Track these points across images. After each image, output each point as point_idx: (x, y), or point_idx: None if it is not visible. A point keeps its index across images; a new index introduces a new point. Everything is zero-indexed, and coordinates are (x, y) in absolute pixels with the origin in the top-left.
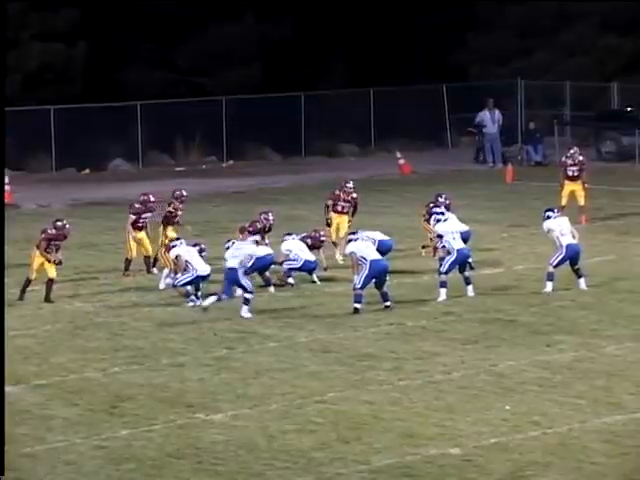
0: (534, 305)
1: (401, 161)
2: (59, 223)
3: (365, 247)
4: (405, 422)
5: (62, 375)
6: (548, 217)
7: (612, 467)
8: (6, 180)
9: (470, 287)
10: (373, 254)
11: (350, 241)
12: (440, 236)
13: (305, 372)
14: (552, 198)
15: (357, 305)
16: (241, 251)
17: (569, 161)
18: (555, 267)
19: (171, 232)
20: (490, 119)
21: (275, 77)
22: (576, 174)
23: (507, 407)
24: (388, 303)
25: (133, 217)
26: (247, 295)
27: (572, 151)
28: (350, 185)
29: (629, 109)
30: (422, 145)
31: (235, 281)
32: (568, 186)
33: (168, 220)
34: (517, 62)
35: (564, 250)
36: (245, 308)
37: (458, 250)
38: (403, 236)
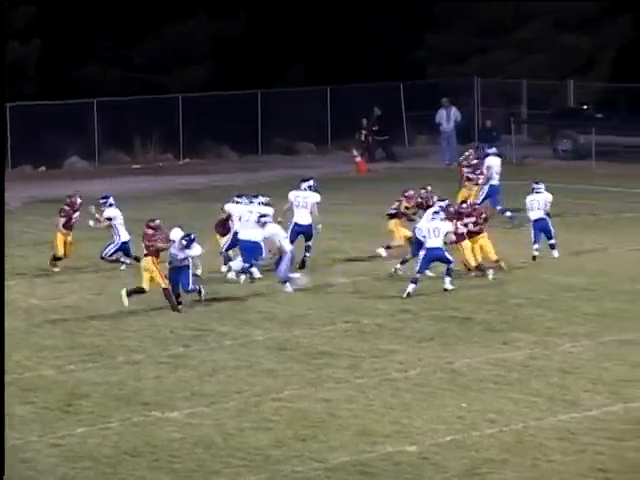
0: (490, 303)
1: (357, 159)
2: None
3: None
4: (361, 420)
5: (17, 372)
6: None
7: (568, 464)
8: None
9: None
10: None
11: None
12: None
13: (261, 370)
14: (511, 196)
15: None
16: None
17: (464, 163)
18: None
19: None
20: (446, 117)
21: (231, 75)
22: (471, 176)
23: (463, 405)
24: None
25: (63, 220)
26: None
27: (467, 153)
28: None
29: (585, 107)
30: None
31: None
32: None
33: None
34: (474, 60)
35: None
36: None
37: (428, 249)
38: (359, 234)
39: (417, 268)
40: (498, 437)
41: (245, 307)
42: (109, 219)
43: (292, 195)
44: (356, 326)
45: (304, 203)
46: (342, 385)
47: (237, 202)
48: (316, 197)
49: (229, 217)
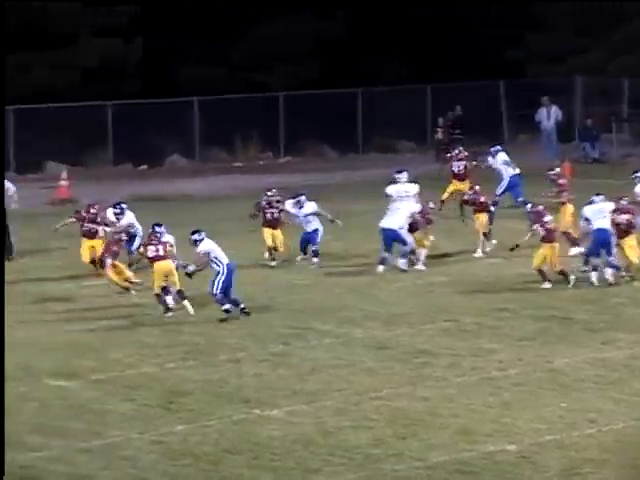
0: (590, 302)
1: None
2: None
3: (217, 247)
4: (461, 419)
5: (119, 370)
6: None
7: None
8: (64, 175)
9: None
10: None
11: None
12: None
13: (361, 368)
14: (613, 195)
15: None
16: None
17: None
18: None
19: None
20: (546, 115)
21: (332, 73)
22: (462, 172)
23: (563, 404)
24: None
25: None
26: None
27: (456, 151)
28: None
29: None
30: (479, 141)
31: None
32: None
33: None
34: (574, 59)
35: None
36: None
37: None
38: (457, 233)
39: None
40: (598, 437)
41: (346, 305)
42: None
43: (392, 190)
44: (456, 325)
45: (406, 195)
46: (442, 384)
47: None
48: (415, 188)
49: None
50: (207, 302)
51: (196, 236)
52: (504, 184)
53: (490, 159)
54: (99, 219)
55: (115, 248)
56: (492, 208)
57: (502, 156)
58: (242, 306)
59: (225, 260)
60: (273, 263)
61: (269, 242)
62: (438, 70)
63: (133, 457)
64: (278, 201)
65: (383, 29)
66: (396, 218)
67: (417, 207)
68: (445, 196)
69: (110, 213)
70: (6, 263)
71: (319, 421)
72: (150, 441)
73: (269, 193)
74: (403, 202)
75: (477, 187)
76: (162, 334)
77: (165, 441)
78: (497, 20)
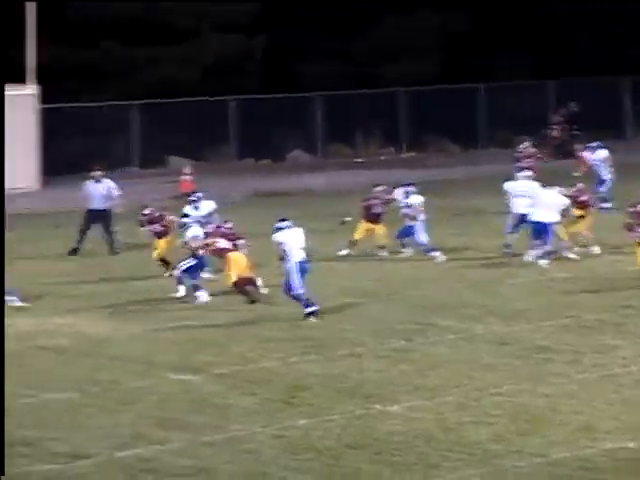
0: None
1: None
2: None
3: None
4: (582, 415)
5: (241, 364)
6: None
7: None
8: (187, 170)
9: None
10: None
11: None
12: None
13: (481, 364)
14: None
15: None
16: None
17: None
18: None
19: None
20: None
21: (453, 68)
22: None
23: None
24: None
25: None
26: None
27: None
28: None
29: None
30: (599, 136)
31: None
32: None
33: None
34: None
35: None
36: None
37: None
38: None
39: None
40: None
41: (467, 301)
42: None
43: (509, 185)
44: (577, 321)
45: (524, 193)
46: (563, 380)
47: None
48: (535, 185)
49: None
50: (326, 296)
51: (278, 224)
52: (606, 182)
53: (589, 154)
54: (159, 216)
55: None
56: (604, 205)
57: (602, 153)
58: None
59: (297, 257)
60: (344, 252)
61: (357, 236)
62: (561, 66)
63: (255, 451)
64: (388, 199)
65: (505, 24)
66: (549, 212)
67: (567, 202)
68: None
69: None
70: (128, 257)
71: (440, 417)
72: (272, 435)
73: (378, 189)
74: (519, 199)
75: (580, 185)
76: (283, 328)
77: (287, 435)
78: (621, 16)
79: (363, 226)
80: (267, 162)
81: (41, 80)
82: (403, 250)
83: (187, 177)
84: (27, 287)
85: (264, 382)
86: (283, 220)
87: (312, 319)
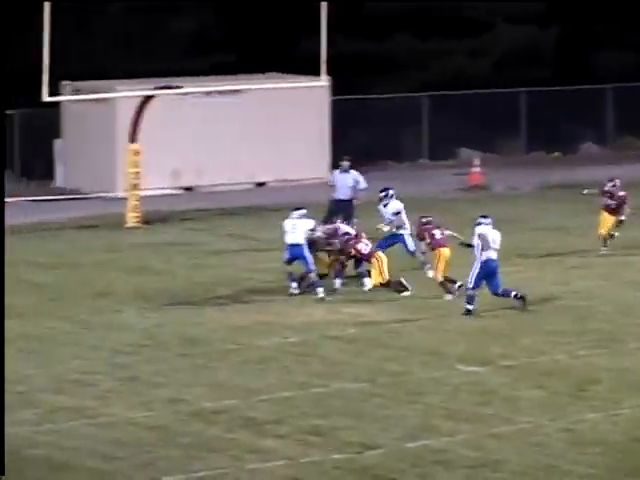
0: None
1: None
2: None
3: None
4: None
5: (529, 357)
6: None
7: None
8: (477, 162)
9: None
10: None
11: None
12: None
13: None
14: None
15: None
16: None
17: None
18: None
19: None
20: None
21: None
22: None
23: None
24: None
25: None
26: None
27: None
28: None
29: None
30: None
31: None
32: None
33: None
34: None
35: None
36: None
37: None
38: None
39: None
40: None
41: None
42: (397, 213)
43: None
44: None
45: None
46: None
47: None
48: None
49: None
50: (614, 290)
51: (480, 220)
52: None
53: None
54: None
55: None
56: None
57: None
58: (515, 293)
59: (487, 254)
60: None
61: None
62: None
63: (543, 444)
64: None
65: None
66: None
67: None
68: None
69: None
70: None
71: None
72: (560, 428)
73: (612, 184)
74: None
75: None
76: (571, 321)
77: (575, 429)
78: None
79: (606, 219)
80: (557, 155)
81: (333, 72)
82: None
83: (477, 169)
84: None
85: (552, 375)
86: (485, 217)
87: (466, 317)
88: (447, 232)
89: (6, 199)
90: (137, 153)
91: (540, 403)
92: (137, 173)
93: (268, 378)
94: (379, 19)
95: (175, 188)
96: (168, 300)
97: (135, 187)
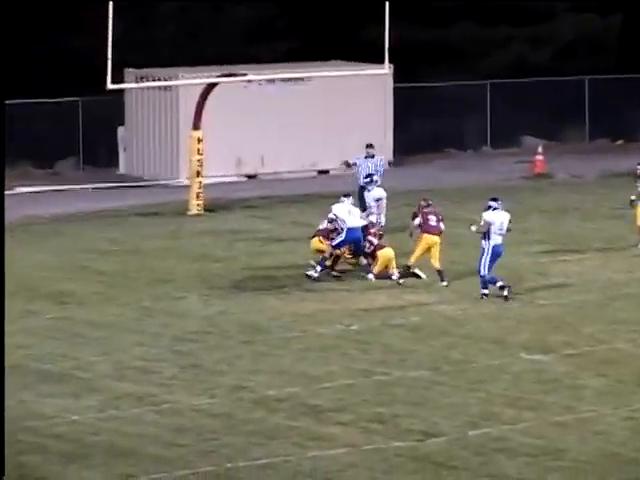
0: None
1: None
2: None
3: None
4: None
5: (591, 345)
6: None
7: None
8: (539, 150)
9: None
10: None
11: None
12: None
13: None
14: None
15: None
16: None
17: None
18: None
19: None
20: None
21: None
22: None
23: None
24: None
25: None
26: None
27: None
28: None
29: None
30: None
31: None
32: None
33: None
34: None
35: None
36: None
37: None
38: None
39: None
40: None
41: None
42: (378, 199)
43: None
44: None
45: None
46: None
47: None
48: None
49: None
50: None
51: (490, 203)
52: None
53: None
54: None
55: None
56: None
57: None
58: (500, 284)
59: (493, 241)
60: None
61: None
62: None
63: (606, 432)
64: None
65: None
66: None
67: None
68: None
69: None
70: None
71: None
72: (623, 417)
73: None
74: None
75: None
76: (634, 309)
77: (638, 417)
78: None
79: None
80: (620, 142)
81: (396, 60)
82: None
83: (539, 157)
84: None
85: (615, 363)
86: (495, 199)
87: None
88: (442, 225)
89: (71, 186)
90: (200, 140)
91: (603, 392)
92: (200, 160)
93: (330, 365)
94: (442, 7)
95: (238, 175)
96: (230, 287)
97: (198, 174)
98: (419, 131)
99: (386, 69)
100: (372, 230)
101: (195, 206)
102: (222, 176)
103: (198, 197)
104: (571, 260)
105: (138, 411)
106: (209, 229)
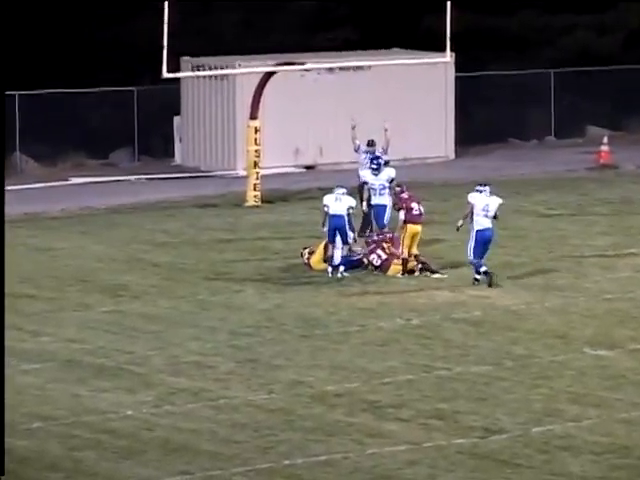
0: None
1: None
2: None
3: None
4: None
5: None
6: None
7: None
8: (605, 140)
9: None
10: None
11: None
12: None
13: None
14: None
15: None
16: None
17: None
18: None
19: None
20: None
21: None
22: None
23: None
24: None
25: None
26: None
27: None
28: None
29: None
30: None
31: None
32: None
33: None
34: None
35: None
36: None
37: None
38: None
39: None
40: None
41: None
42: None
43: None
44: None
45: None
46: None
47: None
48: None
49: None
50: None
51: (478, 187)
52: None
53: None
54: None
55: None
56: None
57: None
58: (485, 269)
59: (478, 225)
60: None
61: None
62: None
63: None
64: None
65: None
66: None
67: None
68: None
69: None
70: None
71: None
72: None
73: None
74: None
75: None
76: None
77: None
78: None
79: None
80: None
81: (457, 48)
82: None
83: (605, 148)
84: (445, 258)
85: None
86: (482, 184)
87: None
88: (422, 209)
89: (126, 177)
90: (257, 130)
91: None
92: (257, 151)
93: (390, 361)
94: None
95: (296, 166)
96: (288, 280)
97: (255, 165)
98: (481, 121)
99: (448, 57)
100: (381, 242)
101: (252, 197)
102: (280, 167)
103: (255, 188)
104: (638, 253)
105: (193, 406)
106: (266, 221)
